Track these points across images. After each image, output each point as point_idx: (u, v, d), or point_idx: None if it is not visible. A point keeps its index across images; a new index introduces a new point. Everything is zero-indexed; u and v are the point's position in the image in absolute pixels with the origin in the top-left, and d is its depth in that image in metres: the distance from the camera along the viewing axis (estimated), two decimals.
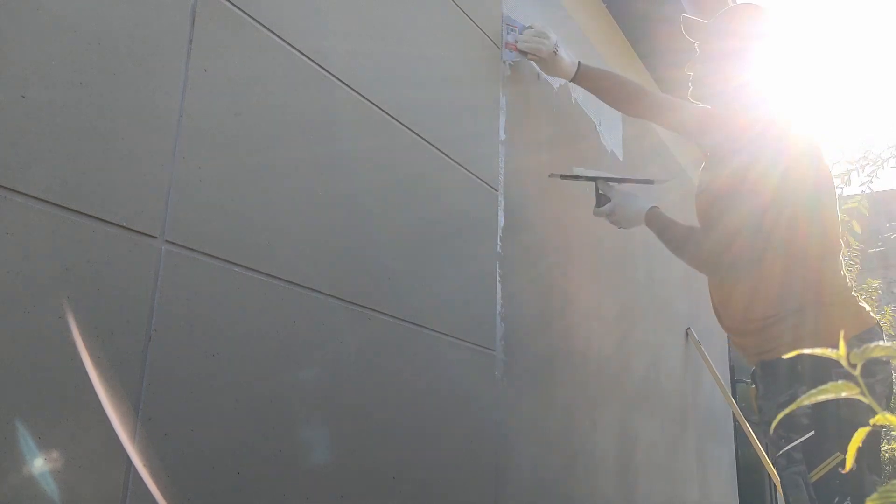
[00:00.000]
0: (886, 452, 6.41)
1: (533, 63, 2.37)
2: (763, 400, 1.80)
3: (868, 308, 1.81)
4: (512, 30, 2.29)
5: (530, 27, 2.30)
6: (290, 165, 1.42)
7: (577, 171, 2.35)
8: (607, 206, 2.20)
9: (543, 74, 2.46)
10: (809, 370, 1.68)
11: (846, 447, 1.56)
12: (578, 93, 2.77)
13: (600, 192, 2.26)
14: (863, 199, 4.73)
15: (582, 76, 2.29)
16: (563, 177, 2.38)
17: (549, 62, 2.26)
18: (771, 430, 1.77)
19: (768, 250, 1.84)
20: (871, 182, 4.85)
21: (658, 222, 2.05)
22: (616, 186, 2.24)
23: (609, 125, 3.03)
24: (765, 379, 1.80)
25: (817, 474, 1.60)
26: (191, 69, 1.23)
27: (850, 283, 1.84)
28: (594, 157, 2.83)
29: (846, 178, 4.85)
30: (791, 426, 1.67)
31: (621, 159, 3.09)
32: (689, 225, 2.03)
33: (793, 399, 1.64)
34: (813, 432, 1.62)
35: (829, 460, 1.59)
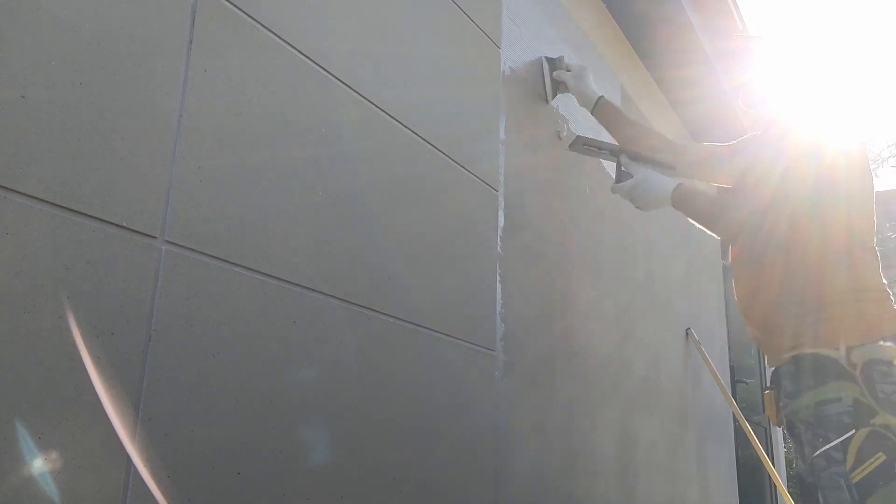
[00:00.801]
0: None
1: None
2: (791, 398, 1.74)
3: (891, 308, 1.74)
4: (555, 67, 2.51)
5: (568, 66, 2.51)
6: (290, 165, 1.42)
7: (603, 141, 2.16)
8: (628, 183, 2.05)
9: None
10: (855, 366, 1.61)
11: (889, 447, 1.50)
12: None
13: (623, 168, 2.08)
14: None
15: (598, 112, 2.42)
16: (586, 145, 2.19)
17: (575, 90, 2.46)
18: (771, 423, 1.71)
19: (768, 250, 1.84)
20: None
21: (686, 200, 1.93)
22: (640, 164, 2.08)
23: None
24: (796, 375, 1.73)
25: (859, 475, 1.54)
26: (191, 69, 1.23)
27: (862, 284, 1.76)
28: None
29: None
30: (832, 425, 1.60)
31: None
32: (717, 193, 1.91)
33: (835, 396, 1.55)
34: (854, 431, 1.55)
35: (871, 460, 1.52)
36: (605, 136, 2.50)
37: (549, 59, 2.52)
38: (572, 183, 2.64)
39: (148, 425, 1.09)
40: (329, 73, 1.54)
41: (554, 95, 2.52)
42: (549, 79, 2.51)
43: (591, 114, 2.44)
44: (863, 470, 1.53)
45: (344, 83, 1.57)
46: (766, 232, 1.83)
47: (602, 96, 2.42)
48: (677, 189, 1.95)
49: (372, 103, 1.65)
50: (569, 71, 2.51)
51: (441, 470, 1.74)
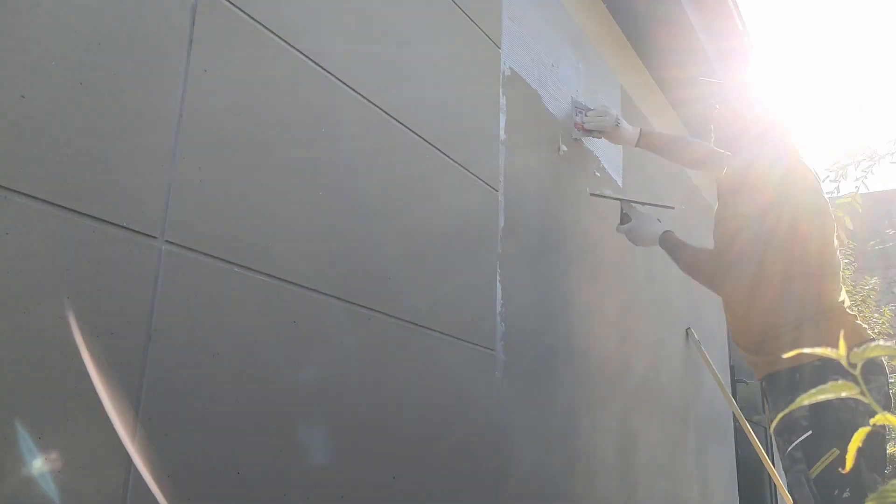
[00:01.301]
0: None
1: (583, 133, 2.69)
2: (772, 412, 1.87)
3: (865, 327, 1.86)
4: (580, 112, 2.65)
5: (593, 109, 2.66)
6: (290, 165, 1.42)
7: (607, 192, 2.72)
8: (626, 226, 2.45)
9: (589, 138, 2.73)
10: (808, 378, 1.74)
11: (844, 446, 1.61)
12: (579, 96, 2.77)
13: (624, 211, 2.50)
14: (856, 196, 4.71)
15: (643, 142, 2.61)
16: (598, 196, 2.71)
17: (613, 134, 2.62)
18: (771, 430, 1.83)
19: (768, 253, 1.85)
20: (866, 177, 4.81)
21: (670, 244, 2.23)
22: (638, 208, 2.48)
23: None
24: (771, 391, 1.85)
25: (816, 470, 1.67)
26: (191, 69, 1.23)
27: (846, 301, 1.88)
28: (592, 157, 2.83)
29: (843, 172, 4.83)
30: (793, 429, 1.73)
31: (621, 159, 3.09)
32: (699, 246, 2.16)
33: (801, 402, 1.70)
34: (810, 432, 1.69)
35: (826, 456, 1.65)
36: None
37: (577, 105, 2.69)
38: (572, 183, 2.64)
39: (148, 425, 1.09)
40: (329, 73, 1.54)
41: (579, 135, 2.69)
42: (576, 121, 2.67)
43: (637, 146, 2.64)
44: (818, 466, 1.66)
45: (344, 83, 1.57)
46: (766, 232, 1.84)
47: (640, 129, 2.63)
48: (664, 234, 2.28)
49: (372, 103, 1.65)
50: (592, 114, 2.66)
51: (441, 470, 1.74)
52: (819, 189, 1.90)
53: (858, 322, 1.84)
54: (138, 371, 1.09)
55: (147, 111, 1.15)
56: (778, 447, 1.84)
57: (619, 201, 2.55)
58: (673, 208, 2.66)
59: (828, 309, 1.79)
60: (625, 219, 2.48)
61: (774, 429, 1.86)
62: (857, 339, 1.76)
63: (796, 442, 1.70)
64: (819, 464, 1.66)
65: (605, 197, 2.71)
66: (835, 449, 1.63)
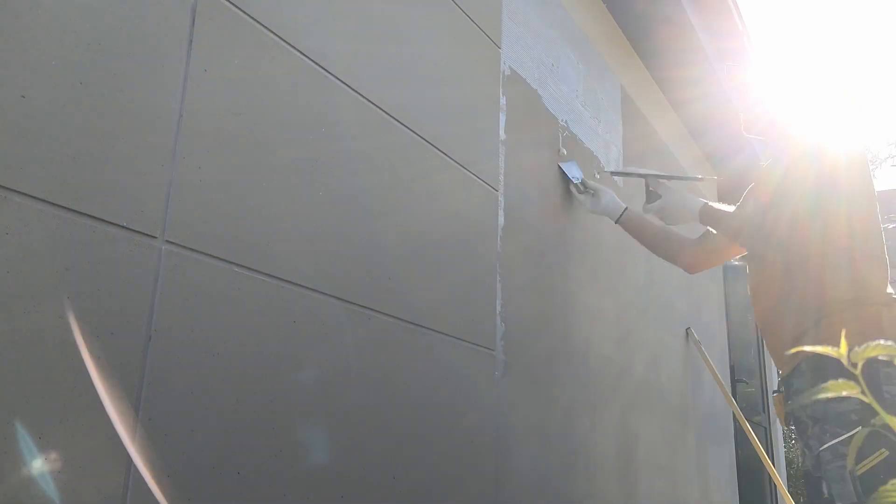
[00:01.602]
0: None
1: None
2: (797, 394, 1.81)
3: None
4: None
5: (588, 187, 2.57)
6: (290, 165, 1.42)
7: (630, 168, 2.57)
8: (657, 203, 2.28)
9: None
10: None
11: (891, 446, 1.57)
12: (579, 96, 2.77)
13: (650, 188, 2.33)
14: None
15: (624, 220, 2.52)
16: (615, 173, 2.59)
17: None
18: (783, 421, 1.79)
19: (768, 251, 1.85)
20: None
21: (711, 217, 2.13)
22: (666, 183, 2.31)
23: (609, 124, 3.03)
24: (801, 374, 1.81)
25: (864, 468, 1.61)
26: (191, 69, 1.23)
27: (862, 287, 1.78)
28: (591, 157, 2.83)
29: None
30: (839, 421, 1.68)
31: (621, 160, 3.09)
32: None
33: (840, 394, 1.66)
34: (860, 428, 1.60)
35: (875, 455, 1.60)
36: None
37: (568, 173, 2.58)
38: (570, 184, 2.64)
39: (148, 425, 1.09)
40: (329, 73, 1.54)
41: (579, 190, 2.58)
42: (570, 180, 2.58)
43: (616, 222, 2.53)
44: (866, 464, 1.59)
45: (344, 83, 1.57)
46: (766, 231, 1.84)
47: (626, 209, 2.51)
48: (703, 207, 2.16)
49: (372, 103, 1.65)
50: (586, 191, 2.56)
51: (441, 470, 1.74)
52: (828, 185, 1.84)
53: (874, 309, 1.74)
54: (138, 371, 1.09)
55: (147, 111, 1.15)
56: (805, 432, 1.78)
57: (643, 178, 2.39)
58: (701, 179, 2.55)
59: (831, 303, 1.77)
60: (652, 196, 2.31)
61: (808, 413, 1.81)
62: (862, 338, 1.71)
63: (844, 437, 1.65)
64: (866, 462, 1.62)
65: (627, 174, 2.58)
66: (884, 449, 1.58)
